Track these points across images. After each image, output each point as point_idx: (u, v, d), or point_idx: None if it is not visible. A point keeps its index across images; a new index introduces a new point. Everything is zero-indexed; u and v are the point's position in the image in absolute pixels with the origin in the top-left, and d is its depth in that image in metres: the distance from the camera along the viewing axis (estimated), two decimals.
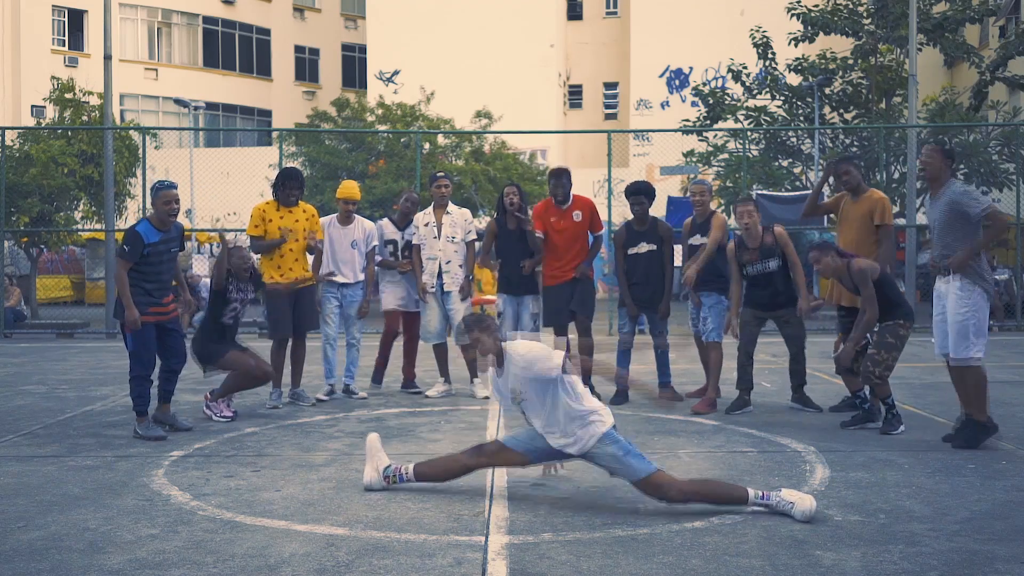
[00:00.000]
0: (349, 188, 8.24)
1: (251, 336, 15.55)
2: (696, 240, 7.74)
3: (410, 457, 5.76)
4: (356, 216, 8.24)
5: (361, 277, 8.20)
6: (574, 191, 8.13)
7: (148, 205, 16.50)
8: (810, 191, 17.55)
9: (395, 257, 8.49)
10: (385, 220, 8.69)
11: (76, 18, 36.60)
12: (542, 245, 7.92)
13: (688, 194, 7.80)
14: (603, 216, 9.02)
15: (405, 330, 8.61)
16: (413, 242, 8.35)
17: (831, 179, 7.71)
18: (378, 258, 8.44)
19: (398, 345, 8.74)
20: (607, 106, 37.45)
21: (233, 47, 39.43)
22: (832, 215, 7.55)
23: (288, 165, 12.64)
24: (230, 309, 7.29)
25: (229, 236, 7.28)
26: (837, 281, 6.75)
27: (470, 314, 4.94)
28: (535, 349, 4.67)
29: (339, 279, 8.07)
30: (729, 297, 7.50)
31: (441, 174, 8.55)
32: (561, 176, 7.99)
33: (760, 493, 4.43)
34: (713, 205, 8.23)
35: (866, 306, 6.29)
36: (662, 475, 4.51)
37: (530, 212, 8.17)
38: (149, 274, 6.45)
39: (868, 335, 6.47)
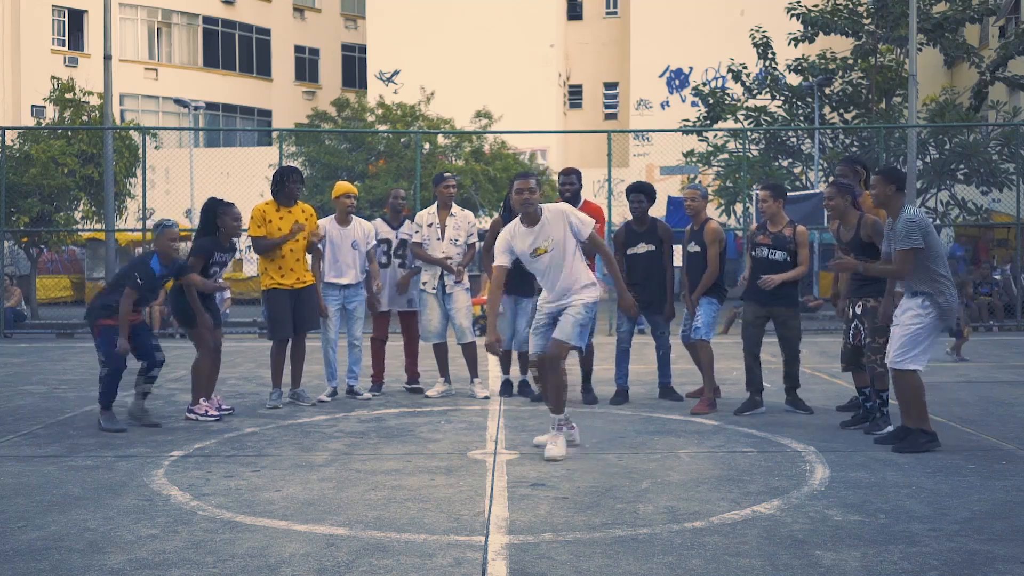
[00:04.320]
0: (345, 185, 8.29)
1: (251, 336, 15.56)
2: (692, 248, 7.69)
3: (410, 457, 5.76)
4: (354, 217, 8.24)
5: (362, 278, 8.19)
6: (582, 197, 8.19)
7: (148, 205, 16.52)
8: (810, 191, 17.60)
9: (388, 256, 8.45)
10: (378, 220, 8.67)
11: (76, 18, 36.60)
12: None
13: (682, 198, 7.81)
14: (603, 216, 8.99)
15: (404, 330, 8.60)
16: (415, 240, 8.31)
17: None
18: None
19: (395, 346, 8.72)
20: (607, 106, 37.46)
21: (233, 47, 39.42)
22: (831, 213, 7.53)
23: (287, 165, 12.63)
24: (211, 275, 7.25)
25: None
26: (835, 236, 6.73)
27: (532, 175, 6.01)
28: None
29: (342, 280, 8.06)
30: (721, 300, 7.59)
31: (449, 174, 8.52)
32: (571, 174, 8.08)
33: (570, 422, 5.92)
34: (713, 205, 8.24)
35: (882, 261, 6.31)
36: (565, 350, 5.72)
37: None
38: (139, 301, 6.79)
39: (859, 325, 6.48)
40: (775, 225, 7.36)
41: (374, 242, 8.29)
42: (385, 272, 8.43)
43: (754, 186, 16.29)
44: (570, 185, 7.99)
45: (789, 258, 7.27)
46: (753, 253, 7.38)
